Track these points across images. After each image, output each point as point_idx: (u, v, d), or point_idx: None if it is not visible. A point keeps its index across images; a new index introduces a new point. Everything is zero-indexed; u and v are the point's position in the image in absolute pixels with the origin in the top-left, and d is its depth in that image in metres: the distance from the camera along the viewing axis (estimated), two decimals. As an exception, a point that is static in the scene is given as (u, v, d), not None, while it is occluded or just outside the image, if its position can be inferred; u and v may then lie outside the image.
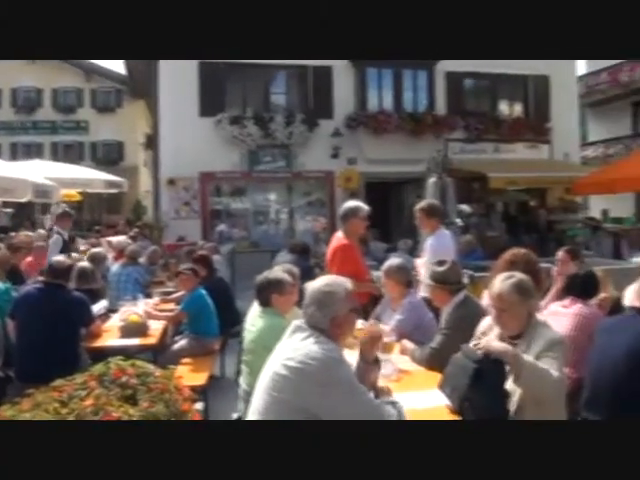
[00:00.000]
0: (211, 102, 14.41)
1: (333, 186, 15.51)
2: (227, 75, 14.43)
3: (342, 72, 15.14)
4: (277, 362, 2.65)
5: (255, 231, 15.59)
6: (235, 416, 4.39)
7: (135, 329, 5.56)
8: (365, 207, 5.73)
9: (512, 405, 3.02)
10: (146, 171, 28.71)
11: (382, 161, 15.15)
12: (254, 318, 4.23)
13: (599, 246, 13.69)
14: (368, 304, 5.21)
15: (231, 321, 6.65)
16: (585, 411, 3.36)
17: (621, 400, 3.16)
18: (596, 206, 19.36)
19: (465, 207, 14.22)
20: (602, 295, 4.50)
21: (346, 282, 2.85)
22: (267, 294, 4.23)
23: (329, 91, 15.35)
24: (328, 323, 2.70)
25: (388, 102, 15.77)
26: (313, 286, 2.81)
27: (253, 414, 2.69)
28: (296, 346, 2.63)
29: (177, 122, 14.10)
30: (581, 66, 20.84)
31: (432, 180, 8.81)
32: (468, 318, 3.83)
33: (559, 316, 4.04)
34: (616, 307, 4.49)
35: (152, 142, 16.21)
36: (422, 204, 6.05)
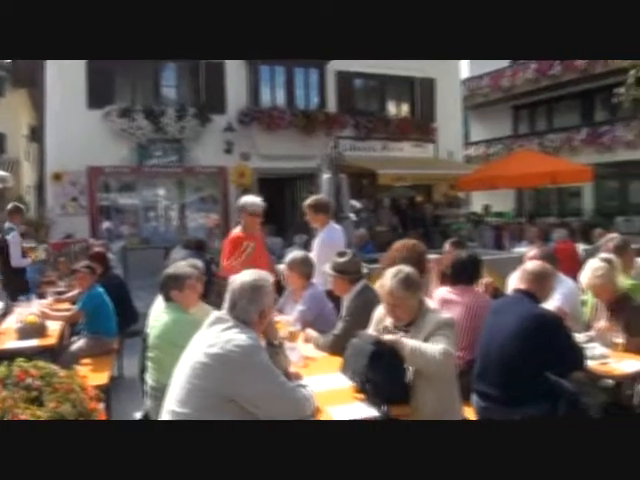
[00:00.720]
0: (99, 93, 13.93)
1: (226, 182, 15.46)
2: (116, 66, 13.84)
3: (235, 67, 15.11)
4: (197, 352, 2.72)
5: (145, 227, 15.28)
6: (139, 414, 4.36)
7: (33, 330, 5.35)
8: (258, 202, 5.82)
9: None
10: (28, 165, 27.23)
11: (275, 157, 15.30)
12: (158, 314, 4.22)
13: (482, 238, 14.54)
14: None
15: (128, 319, 6.53)
16: (476, 383, 3.70)
17: (508, 373, 3.50)
18: (478, 201, 20.48)
19: (355, 202, 14.60)
20: (486, 279, 4.80)
21: (269, 276, 3.00)
22: (168, 289, 4.24)
23: (222, 86, 15.27)
24: (256, 316, 2.84)
25: (281, 99, 15.93)
26: (241, 281, 2.90)
27: (171, 405, 2.74)
28: (217, 335, 2.73)
29: (64, 113, 13.51)
30: (464, 70, 21.93)
31: (327, 176, 9.01)
32: (367, 306, 4.01)
33: (452, 304, 4.27)
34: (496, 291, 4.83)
35: (37, 134, 15.48)
36: (309, 200, 6.20)
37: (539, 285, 3.77)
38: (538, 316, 3.60)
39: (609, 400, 4.12)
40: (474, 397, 3.72)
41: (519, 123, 24.02)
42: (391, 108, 18.14)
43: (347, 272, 4.40)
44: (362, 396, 3.15)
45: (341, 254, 4.52)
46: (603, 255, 5.03)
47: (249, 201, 5.88)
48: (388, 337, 3.27)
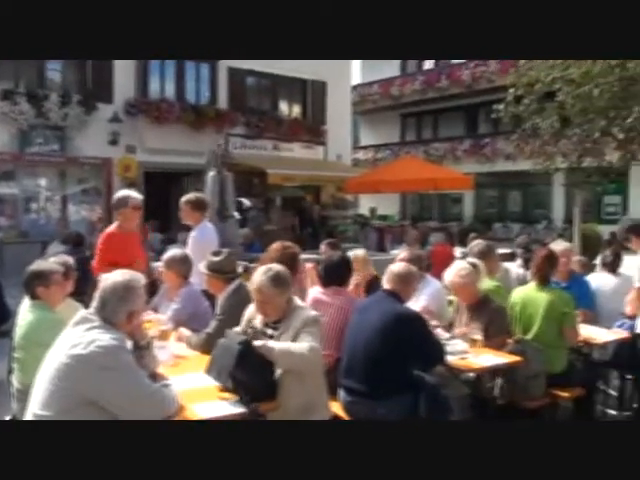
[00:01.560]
0: (-21, 73, 13.02)
1: (111, 174, 15.00)
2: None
3: (123, 55, 14.65)
4: (61, 352, 2.67)
5: (24, 219, 14.53)
6: (7, 418, 4.18)
7: None
8: (136, 196, 5.69)
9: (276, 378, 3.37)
10: None
11: (162, 151, 15.03)
12: (24, 313, 4.07)
13: (366, 240, 14.96)
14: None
15: (-1, 319, 6.22)
16: (343, 379, 3.86)
17: (372, 369, 3.68)
18: (366, 204, 21.04)
19: (245, 201, 14.63)
20: (356, 279, 4.97)
21: (141, 277, 2.97)
22: (33, 287, 4.10)
23: (109, 73, 14.76)
24: (124, 317, 2.80)
25: (170, 91, 15.66)
26: (113, 281, 2.85)
27: (34, 407, 2.68)
28: (81, 335, 2.68)
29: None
30: (355, 76, 22.50)
31: (212, 174, 8.97)
32: (241, 304, 4.04)
33: (324, 305, 4.39)
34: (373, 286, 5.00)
35: None
36: (189, 197, 6.13)
37: (403, 286, 3.98)
38: (398, 314, 3.81)
39: (470, 392, 4.40)
40: (341, 392, 3.87)
41: (407, 131, 24.97)
42: (283, 108, 18.29)
43: (222, 271, 4.41)
44: (228, 394, 3.19)
45: (216, 253, 4.52)
46: (470, 259, 5.32)
47: (124, 195, 5.68)
48: (256, 343, 3.32)
